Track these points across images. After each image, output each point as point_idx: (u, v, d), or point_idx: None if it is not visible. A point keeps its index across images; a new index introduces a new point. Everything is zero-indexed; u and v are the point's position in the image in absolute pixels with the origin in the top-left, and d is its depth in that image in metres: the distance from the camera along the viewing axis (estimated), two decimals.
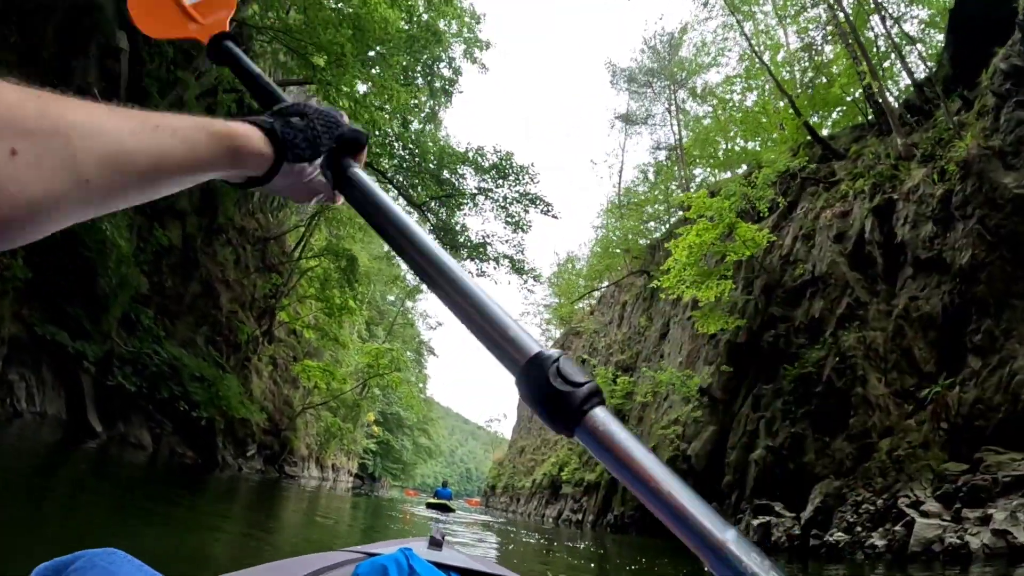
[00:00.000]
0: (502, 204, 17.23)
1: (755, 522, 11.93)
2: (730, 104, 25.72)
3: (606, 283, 38.30)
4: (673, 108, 26.95)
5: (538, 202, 16.74)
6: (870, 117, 17.42)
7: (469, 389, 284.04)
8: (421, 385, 56.67)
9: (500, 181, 16.82)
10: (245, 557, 4.79)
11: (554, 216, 17.04)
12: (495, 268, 17.48)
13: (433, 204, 18.25)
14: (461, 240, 17.69)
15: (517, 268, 17.38)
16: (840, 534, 10.05)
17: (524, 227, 17.34)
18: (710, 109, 26.41)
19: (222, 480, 15.48)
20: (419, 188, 18.46)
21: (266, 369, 21.66)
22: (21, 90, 0.37)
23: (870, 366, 11.29)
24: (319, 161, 0.67)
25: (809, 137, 17.31)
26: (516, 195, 16.81)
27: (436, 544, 1.83)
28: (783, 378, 12.72)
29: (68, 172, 0.38)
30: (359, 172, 0.68)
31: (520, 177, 16.45)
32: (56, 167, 0.37)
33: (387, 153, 18.32)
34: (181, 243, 17.92)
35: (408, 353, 40.96)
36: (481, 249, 17.35)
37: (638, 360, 21.45)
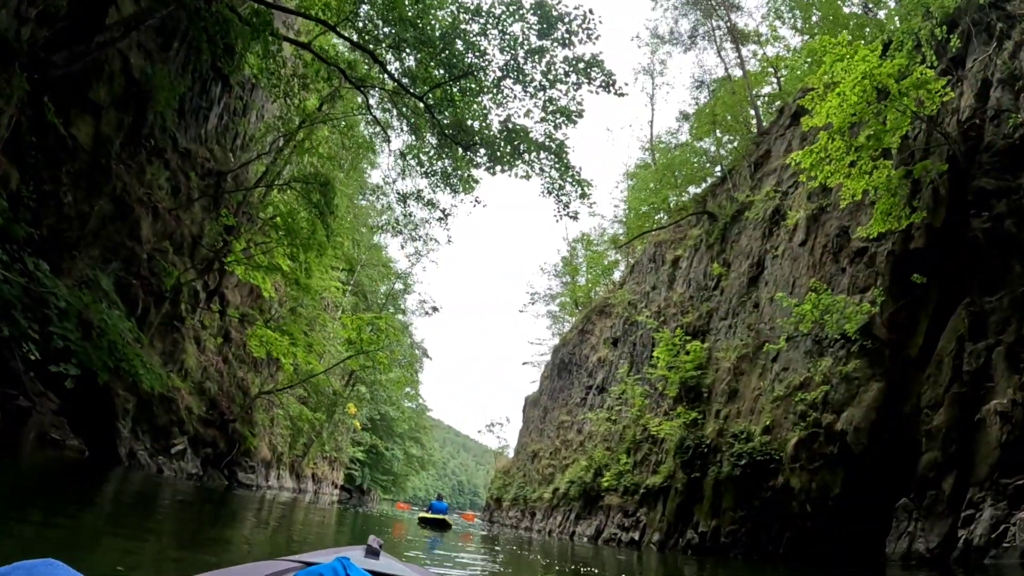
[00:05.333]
0: (541, 84, 12.02)
1: None
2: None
3: (621, 260, 33.36)
4: (725, 25, 22.16)
5: (595, 71, 11.56)
6: None
7: (460, 400, 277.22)
8: (411, 391, 50.92)
9: (539, 47, 11.64)
10: None
11: (619, 93, 11.90)
12: (535, 163, 12.15)
13: (435, 103, 12.99)
14: (484, 137, 12.39)
15: (565, 167, 11.99)
16: None
17: (573, 116, 12.18)
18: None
19: (127, 483, 9.94)
20: (412, 73, 13.25)
21: (212, 341, 16.09)
22: None
23: None
24: None
25: None
26: (565, 65, 11.61)
27: (373, 553, 1.87)
28: None
29: None
30: None
31: (571, 34, 11.30)
32: None
33: (372, 26, 13.14)
34: (91, 146, 12.68)
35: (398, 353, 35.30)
36: (517, 142, 11.95)
37: (712, 319, 16.23)
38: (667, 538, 14.38)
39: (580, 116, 12.12)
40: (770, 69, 24.59)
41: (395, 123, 17.40)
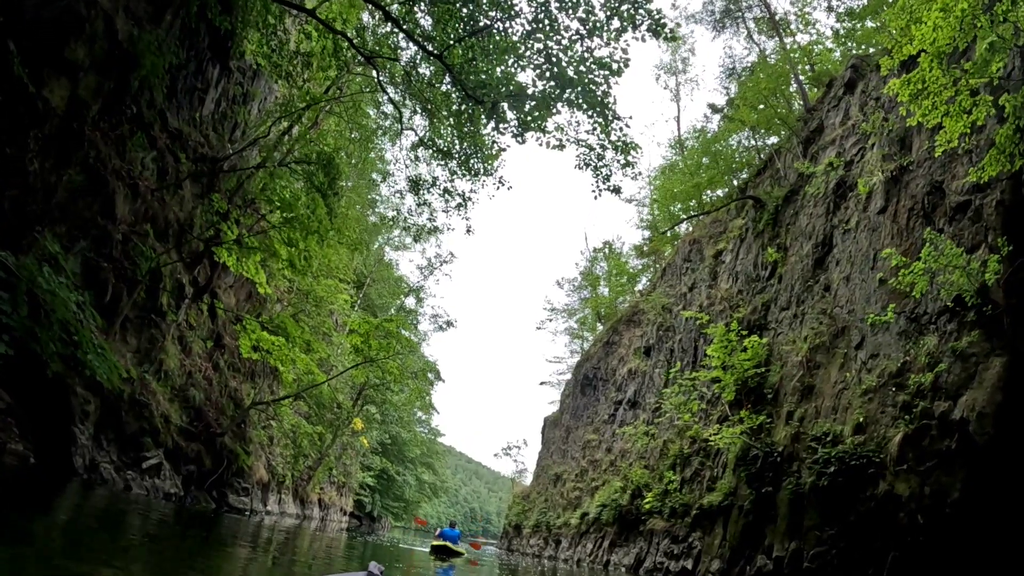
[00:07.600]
0: (578, 32, 10.33)
1: None
2: None
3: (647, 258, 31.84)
4: (758, 6, 20.66)
5: (640, 14, 9.85)
6: None
7: (471, 426, 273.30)
8: (422, 414, 48.69)
9: None
10: None
11: (669, 37, 10.18)
12: (569, 125, 10.43)
13: (454, 64, 11.37)
14: (512, 91, 10.68)
15: (611, 118, 10.18)
16: None
17: (616, 68, 10.45)
18: None
19: (85, 501, 8.00)
20: (428, 35, 11.68)
21: (200, 344, 14.24)
22: None
23: None
24: None
25: None
26: (606, 9, 9.91)
27: None
28: None
29: None
30: None
31: None
32: None
33: None
34: (65, 110, 11.18)
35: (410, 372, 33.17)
36: (557, 72, 10.17)
37: (770, 311, 14.19)
38: (730, 566, 12.13)
39: (627, 65, 10.37)
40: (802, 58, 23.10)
41: (407, 103, 15.82)
